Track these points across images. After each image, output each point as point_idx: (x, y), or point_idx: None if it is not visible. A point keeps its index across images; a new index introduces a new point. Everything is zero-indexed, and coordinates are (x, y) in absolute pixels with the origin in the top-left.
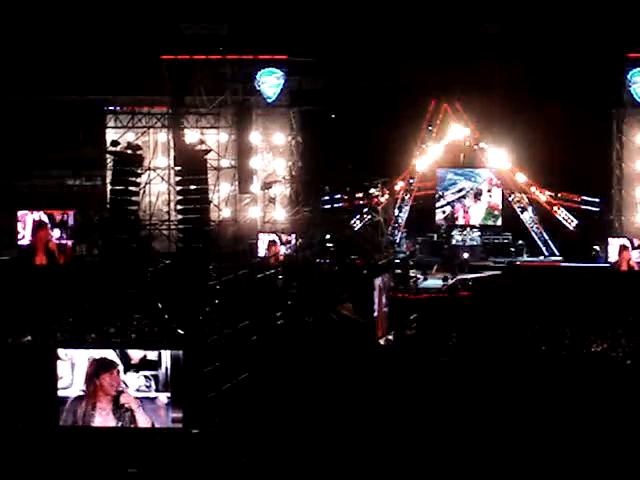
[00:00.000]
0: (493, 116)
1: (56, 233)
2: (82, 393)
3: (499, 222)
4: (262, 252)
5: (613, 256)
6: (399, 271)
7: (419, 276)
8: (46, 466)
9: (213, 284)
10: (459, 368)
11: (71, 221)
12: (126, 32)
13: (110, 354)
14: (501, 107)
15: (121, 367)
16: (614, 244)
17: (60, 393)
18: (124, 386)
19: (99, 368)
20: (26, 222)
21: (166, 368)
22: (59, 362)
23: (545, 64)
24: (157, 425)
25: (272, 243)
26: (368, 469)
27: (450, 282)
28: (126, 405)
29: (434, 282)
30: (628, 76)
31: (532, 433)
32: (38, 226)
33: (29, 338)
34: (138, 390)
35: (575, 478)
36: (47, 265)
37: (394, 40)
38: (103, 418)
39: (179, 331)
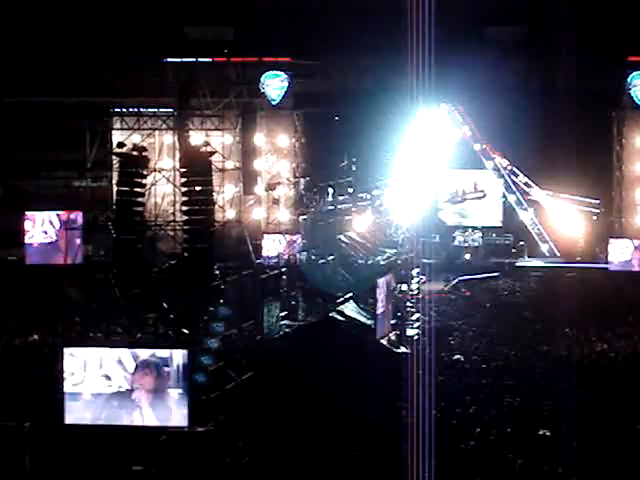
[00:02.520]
0: (493, 116)
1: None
2: (117, 390)
3: (500, 223)
4: (271, 252)
5: (625, 256)
6: (402, 271)
7: (421, 276)
8: (52, 463)
9: (217, 284)
10: (459, 367)
11: (79, 221)
12: (132, 35)
13: (124, 353)
14: (501, 108)
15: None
16: (623, 244)
17: (72, 390)
18: (164, 383)
19: (139, 366)
20: (35, 221)
21: (178, 365)
22: (71, 359)
23: (546, 66)
24: (171, 423)
25: (290, 243)
26: (369, 468)
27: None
28: (164, 402)
29: (436, 282)
30: (628, 79)
31: (532, 433)
32: (65, 225)
33: (36, 337)
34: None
35: (574, 478)
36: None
37: (395, 41)
38: (142, 416)
39: (184, 331)
